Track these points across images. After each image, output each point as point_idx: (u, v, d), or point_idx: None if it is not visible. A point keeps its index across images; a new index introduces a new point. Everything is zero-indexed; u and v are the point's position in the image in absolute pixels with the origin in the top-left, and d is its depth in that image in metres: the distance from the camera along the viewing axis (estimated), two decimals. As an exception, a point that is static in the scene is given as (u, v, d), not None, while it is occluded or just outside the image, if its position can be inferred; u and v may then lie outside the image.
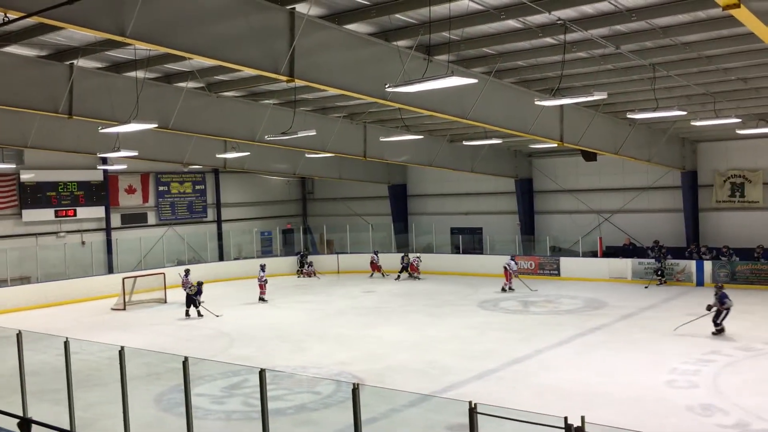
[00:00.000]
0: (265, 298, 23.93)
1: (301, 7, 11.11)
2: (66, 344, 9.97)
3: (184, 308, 21.64)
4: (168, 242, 30.96)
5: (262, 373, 7.96)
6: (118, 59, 15.05)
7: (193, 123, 18.15)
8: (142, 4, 9.29)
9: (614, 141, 21.73)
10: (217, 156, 25.12)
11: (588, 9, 11.59)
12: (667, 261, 24.28)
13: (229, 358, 15.73)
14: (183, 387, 8.73)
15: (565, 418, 5.74)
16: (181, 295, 22.47)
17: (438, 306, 21.99)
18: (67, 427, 9.61)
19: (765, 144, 24.42)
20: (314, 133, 18.22)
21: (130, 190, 30.62)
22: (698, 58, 14.63)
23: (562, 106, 18.21)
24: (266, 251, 33.93)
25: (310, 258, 31.28)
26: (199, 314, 21.34)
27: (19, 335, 10.62)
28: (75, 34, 12.62)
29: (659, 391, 12.22)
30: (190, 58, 12.57)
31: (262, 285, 24.03)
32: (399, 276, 28.62)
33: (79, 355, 12.85)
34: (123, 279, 23.89)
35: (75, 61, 14.49)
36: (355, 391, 7.07)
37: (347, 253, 32.07)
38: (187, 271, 22.91)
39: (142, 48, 12.46)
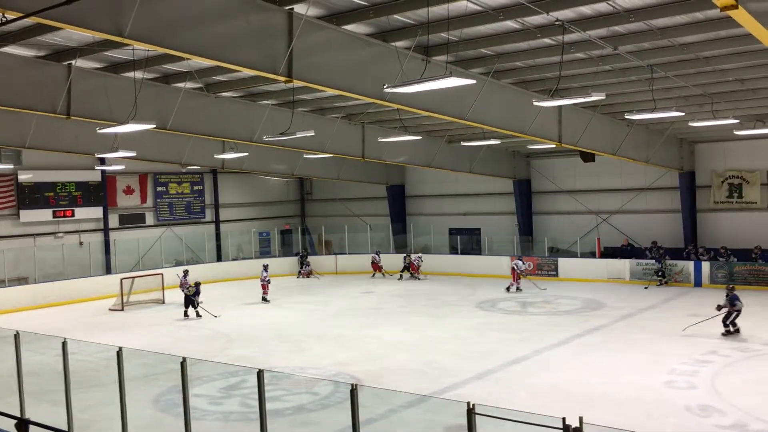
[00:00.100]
0: (268, 298, 23.95)
1: (299, 8, 11.11)
2: (64, 345, 9.96)
3: (182, 309, 21.64)
4: (166, 243, 30.94)
5: (260, 373, 7.95)
6: (117, 60, 15.05)
7: (192, 123, 18.15)
8: (140, 4, 9.29)
9: (612, 142, 21.75)
10: (216, 156, 25.11)
11: (586, 10, 11.61)
12: (666, 262, 24.30)
13: (228, 359, 15.72)
14: (181, 388, 8.73)
15: (563, 419, 5.75)
16: (179, 295, 22.46)
17: (437, 306, 22.00)
18: (64, 427, 9.59)
19: (763, 145, 24.45)
20: (312, 134, 18.21)
21: (128, 191, 30.60)
22: (696, 59, 14.65)
23: (560, 106, 18.22)
24: (264, 252, 33.92)
25: (308, 258, 31.28)
26: (198, 315, 21.34)
27: (16, 336, 10.61)
28: (73, 35, 12.62)
29: (658, 392, 12.23)
30: (188, 59, 12.57)
31: (265, 285, 24.04)
32: (401, 276, 28.67)
33: (77, 356, 12.86)
34: (121, 279, 23.86)
35: (73, 62, 14.48)
36: (354, 391, 7.07)
37: (345, 253, 32.07)
38: (185, 272, 22.91)
39: (141, 48, 12.47)
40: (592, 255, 27.20)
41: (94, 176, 28.72)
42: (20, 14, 8.25)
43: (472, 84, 13.67)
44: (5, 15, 8.48)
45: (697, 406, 11.37)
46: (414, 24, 12.36)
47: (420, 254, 29.10)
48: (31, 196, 27.09)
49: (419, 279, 28.21)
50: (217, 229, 33.64)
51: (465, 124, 17.24)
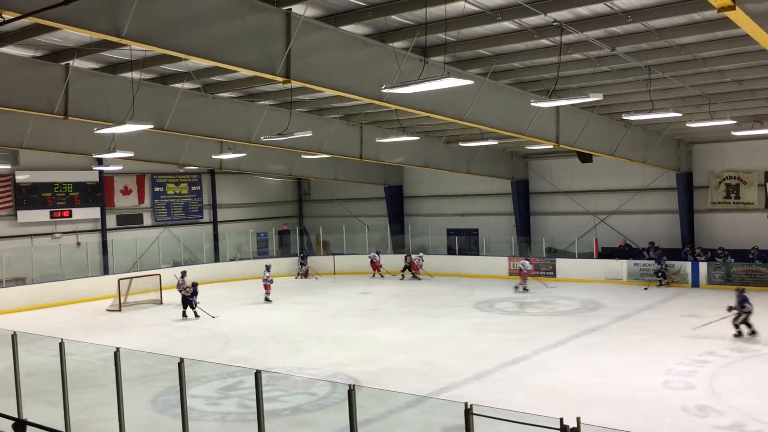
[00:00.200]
0: (270, 298, 23.95)
1: (297, 8, 11.11)
2: (61, 345, 9.95)
3: (180, 309, 21.65)
4: (164, 243, 30.93)
5: (257, 374, 7.95)
6: (114, 60, 15.03)
7: (189, 124, 18.14)
8: (138, 4, 9.28)
9: (610, 142, 21.77)
10: (213, 157, 25.09)
11: (583, 11, 11.62)
12: (666, 262, 24.31)
13: (225, 360, 15.71)
14: (178, 388, 8.72)
15: (561, 419, 5.75)
16: (176, 296, 22.44)
17: (434, 307, 22.00)
18: (62, 428, 9.58)
19: (760, 146, 24.48)
20: (310, 135, 18.21)
21: (126, 191, 30.56)
22: (693, 59, 14.67)
23: (557, 107, 18.22)
24: (262, 252, 33.90)
25: (307, 258, 31.25)
26: (196, 315, 21.33)
27: (14, 336, 10.60)
28: (71, 35, 12.60)
29: (655, 392, 12.24)
30: (186, 59, 12.56)
31: (268, 285, 24.06)
32: (403, 276, 28.68)
33: (74, 357, 12.86)
34: (119, 280, 23.84)
35: (71, 62, 14.46)
36: (351, 392, 7.06)
37: (343, 254, 32.08)
38: (183, 273, 22.90)
39: (138, 49, 12.46)
40: (590, 255, 27.21)
41: (91, 177, 28.69)
42: (18, 14, 8.24)
43: (469, 85, 13.66)
44: (3, 15, 8.47)
45: (694, 407, 11.37)
46: (412, 25, 12.36)
47: (421, 253, 29.13)
48: (29, 196, 27.05)
49: (420, 279, 28.22)
50: (215, 229, 33.62)
51: (463, 125, 17.24)
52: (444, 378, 13.59)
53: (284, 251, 33.86)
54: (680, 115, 17.05)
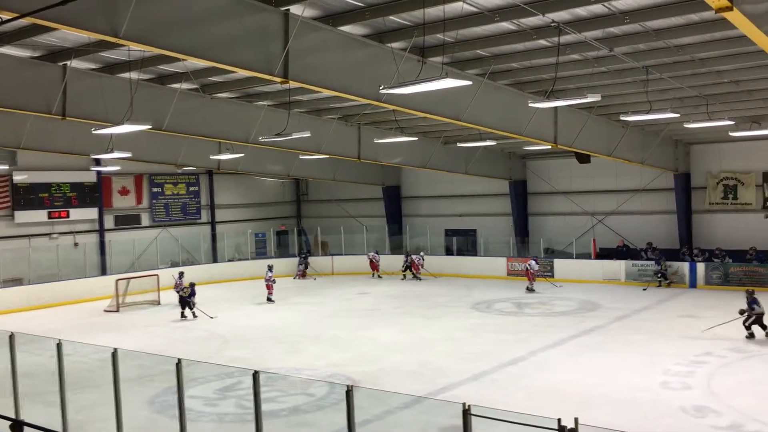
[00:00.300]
0: (273, 298, 23.96)
1: (295, 9, 11.10)
2: (59, 346, 9.94)
3: (178, 310, 21.63)
4: (162, 244, 30.90)
5: (255, 374, 7.95)
6: (112, 60, 15.01)
7: (187, 124, 18.12)
8: (135, 5, 9.27)
9: (608, 143, 21.78)
10: (211, 157, 25.07)
11: (581, 11, 11.62)
12: (665, 263, 24.32)
13: (223, 360, 15.70)
14: (176, 389, 8.71)
15: (559, 420, 5.76)
16: (174, 297, 22.42)
17: (432, 308, 22.00)
18: (59, 429, 9.58)
19: (757, 146, 24.51)
20: (308, 135, 18.20)
21: (124, 192, 30.54)
22: (691, 60, 14.68)
23: (555, 108, 18.23)
24: (260, 253, 33.88)
25: (307, 259, 31.23)
26: (194, 315, 21.32)
27: (11, 337, 10.58)
28: (68, 35, 12.58)
29: (653, 393, 12.25)
30: (184, 60, 12.55)
31: (270, 285, 24.07)
32: (404, 276, 28.68)
33: (71, 357, 12.82)
34: (116, 281, 23.82)
35: (68, 62, 14.43)
36: (349, 392, 7.06)
37: (342, 254, 32.06)
38: (180, 274, 22.87)
39: (136, 49, 12.44)
40: (588, 256, 27.23)
41: (89, 177, 28.66)
42: (15, 14, 8.23)
43: (468, 85, 13.66)
44: (0, 15, 8.46)
45: (692, 407, 11.39)
46: (410, 25, 12.36)
47: (422, 253, 29.13)
48: (26, 196, 27.01)
49: (421, 279, 28.22)
50: (213, 230, 33.59)
51: (461, 126, 17.25)
52: (442, 378, 13.59)
53: (282, 252, 33.83)
54: (678, 115, 17.07)
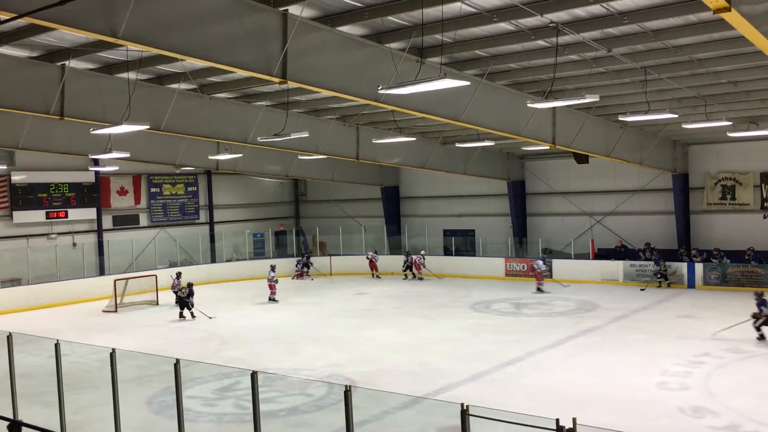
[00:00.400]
0: (276, 298, 23.95)
1: (293, 9, 11.10)
2: (57, 346, 9.92)
3: (177, 310, 21.64)
4: (160, 244, 30.87)
5: (254, 375, 7.94)
6: (110, 60, 15.00)
7: (186, 124, 18.11)
8: (134, 5, 9.27)
9: (606, 143, 21.80)
10: (210, 158, 25.07)
11: (580, 12, 11.63)
12: (664, 264, 24.33)
13: (221, 360, 15.69)
14: (175, 389, 8.70)
15: (557, 420, 5.75)
16: (172, 297, 22.39)
17: (431, 308, 22.00)
18: (57, 429, 9.56)
19: (756, 147, 24.54)
20: (307, 135, 18.18)
21: (122, 192, 30.52)
22: (689, 61, 14.70)
23: (554, 108, 18.25)
24: (259, 253, 33.88)
25: (308, 259, 31.22)
26: (193, 315, 21.31)
27: (9, 337, 10.56)
28: (66, 35, 12.58)
29: (651, 393, 12.26)
30: (182, 60, 12.54)
31: (272, 285, 24.06)
32: (406, 276, 28.69)
33: (69, 358, 12.80)
34: (115, 281, 23.80)
35: (67, 62, 14.43)
36: (348, 393, 7.06)
37: (340, 255, 32.06)
38: (178, 274, 22.84)
39: (135, 49, 12.43)
40: (586, 256, 27.25)
41: (87, 177, 28.63)
42: (13, 14, 8.22)
43: (466, 85, 13.66)
44: (-1, 15, 8.46)
45: (690, 408, 11.40)
46: (408, 25, 12.36)
47: (423, 252, 29.13)
48: (25, 197, 26.99)
49: (422, 279, 28.23)
50: (212, 230, 33.58)
51: (459, 126, 17.26)
52: (440, 379, 13.59)
53: (281, 252, 33.82)
54: (676, 116, 17.08)
